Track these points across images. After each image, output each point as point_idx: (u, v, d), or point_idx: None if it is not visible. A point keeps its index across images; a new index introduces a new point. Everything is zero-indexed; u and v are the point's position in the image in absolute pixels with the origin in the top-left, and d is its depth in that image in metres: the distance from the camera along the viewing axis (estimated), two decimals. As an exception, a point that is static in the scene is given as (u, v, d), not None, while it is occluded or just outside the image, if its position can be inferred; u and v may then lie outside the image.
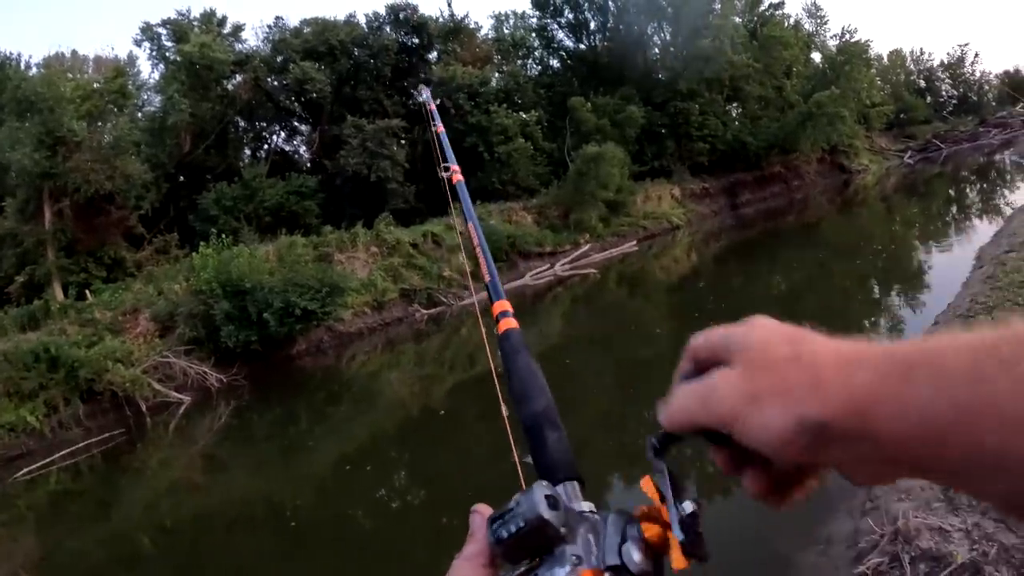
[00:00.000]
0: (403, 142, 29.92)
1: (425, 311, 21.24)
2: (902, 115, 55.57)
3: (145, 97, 31.71)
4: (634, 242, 27.80)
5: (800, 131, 36.72)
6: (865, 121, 47.38)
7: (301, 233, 22.70)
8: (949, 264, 14.82)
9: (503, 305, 0.99)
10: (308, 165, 33.13)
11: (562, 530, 0.60)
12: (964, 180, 37.21)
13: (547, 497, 0.62)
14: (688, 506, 0.58)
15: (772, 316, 0.55)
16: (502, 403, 1.04)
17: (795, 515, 5.71)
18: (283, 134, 35.34)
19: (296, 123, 34.87)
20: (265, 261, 19.53)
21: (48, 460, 12.89)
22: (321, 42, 31.85)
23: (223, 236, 20.43)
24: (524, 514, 0.61)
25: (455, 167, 1.72)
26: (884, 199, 35.21)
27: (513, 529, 0.61)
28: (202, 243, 19.81)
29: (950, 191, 33.79)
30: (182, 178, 29.65)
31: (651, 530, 0.59)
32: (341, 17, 34.10)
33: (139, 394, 15.39)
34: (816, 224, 29.35)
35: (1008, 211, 19.48)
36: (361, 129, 27.88)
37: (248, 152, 34.38)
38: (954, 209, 27.10)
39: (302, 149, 35.31)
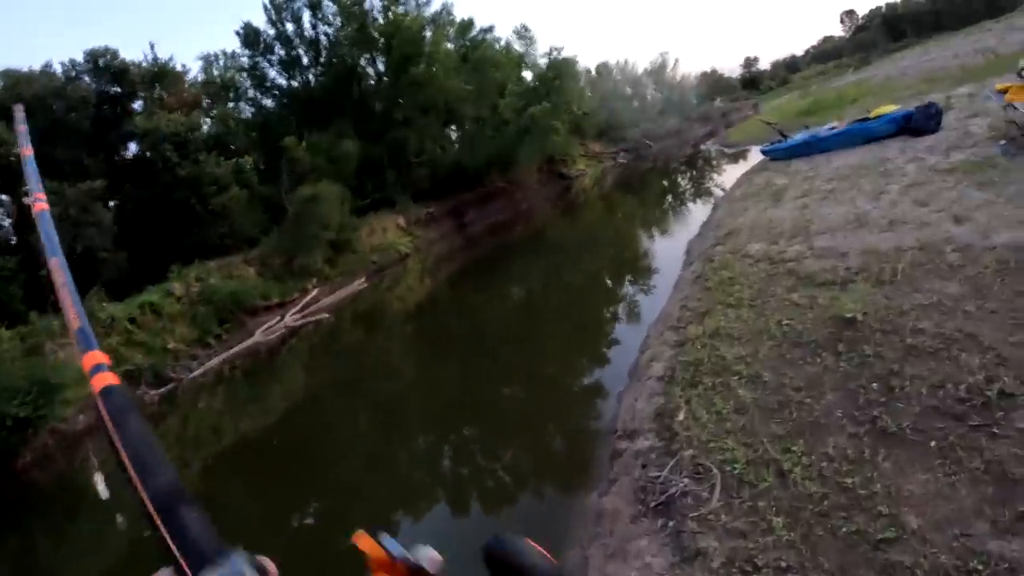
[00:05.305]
0: (110, 204, 27.90)
1: (155, 392, 20.06)
2: (613, 121, 60.30)
3: None
4: (363, 279, 28.00)
5: (517, 145, 38.60)
6: (579, 130, 51.09)
7: (6, 325, 19.91)
8: (669, 247, 16.60)
9: (96, 357, 0.85)
10: (13, 240, 29.83)
11: None
12: (675, 171, 41.27)
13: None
14: (425, 551, 0.57)
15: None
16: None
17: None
18: (-23, 209, 31.13)
19: (-8, 195, 30.95)
20: (-36, 368, 17.72)
21: None
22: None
23: (-93, 342, 18.18)
24: None
25: (40, 195, 1.55)
26: (604, 198, 38.03)
27: None
28: None
29: (663, 182, 37.38)
30: None
31: None
32: (37, 67, 30.90)
33: None
34: (543, 231, 30.88)
35: (717, 192, 21.52)
36: (61, 195, 25.60)
37: (-64, 235, 30.14)
38: (669, 197, 30.06)
39: (6, 222, 31.47)
